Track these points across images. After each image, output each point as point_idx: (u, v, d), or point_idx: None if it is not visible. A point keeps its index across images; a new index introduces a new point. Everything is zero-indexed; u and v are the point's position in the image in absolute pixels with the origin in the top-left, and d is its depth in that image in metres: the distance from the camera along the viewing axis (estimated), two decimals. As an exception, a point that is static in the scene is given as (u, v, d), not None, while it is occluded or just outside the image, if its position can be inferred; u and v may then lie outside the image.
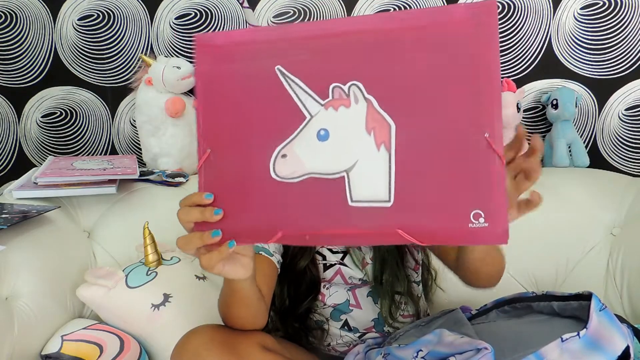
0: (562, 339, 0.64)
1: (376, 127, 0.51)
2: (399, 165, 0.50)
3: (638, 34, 1.38)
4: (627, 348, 0.64)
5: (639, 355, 0.81)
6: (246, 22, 0.96)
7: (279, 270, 0.86)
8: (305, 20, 1.41)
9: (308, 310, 0.92)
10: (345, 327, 0.93)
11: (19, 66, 1.44)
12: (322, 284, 0.93)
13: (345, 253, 0.92)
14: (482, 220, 0.48)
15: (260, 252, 0.84)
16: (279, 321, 0.93)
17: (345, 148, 0.52)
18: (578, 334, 0.64)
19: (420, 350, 0.73)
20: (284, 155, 0.53)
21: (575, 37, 1.40)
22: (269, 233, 0.54)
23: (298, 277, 0.90)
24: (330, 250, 0.93)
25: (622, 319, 0.75)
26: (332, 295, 0.93)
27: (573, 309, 0.73)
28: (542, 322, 0.76)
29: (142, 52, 1.42)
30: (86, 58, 1.44)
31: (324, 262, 0.92)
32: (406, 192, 0.50)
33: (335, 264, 0.91)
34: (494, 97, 0.49)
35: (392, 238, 0.50)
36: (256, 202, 0.55)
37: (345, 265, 0.91)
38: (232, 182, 0.56)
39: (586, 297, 0.71)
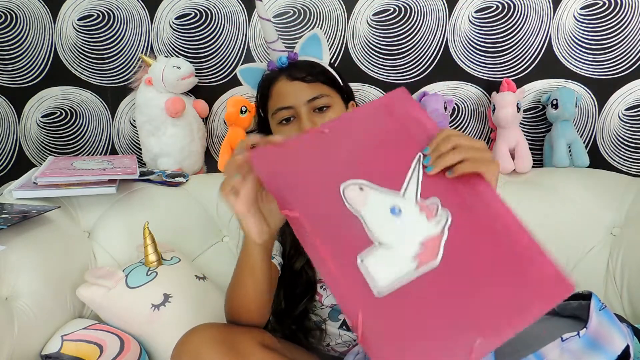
0: (562, 338, 0.64)
1: (427, 250, 0.56)
2: (410, 286, 0.54)
3: (638, 34, 1.38)
4: (627, 347, 0.64)
5: (639, 355, 0.81)
6: (257, 15, 0.97)
7: (280, 272, 0.87)
8: (305, 21, 1.41)
9: (305, 312, 0.92)
10: (344, 327, 0.93)
11: (19, 66, 1.44)
12: (319, 284, 0.93)
13: None
14: None
15: None
16: (276, 323, 0.93)
17: (397, 232, 0.57)
18: (578, 334, 0.64)
19: None
20: (361, 188, 0.60)
21: (575, 37, 1.40)
22: (289, 205, 0.59)
23: (294, 278, 0.90)
24: None
25: (621, 319, 0.76)
26: (330, 295, 0.93)
27: (573, 308, 0.74)
28: (542, 322, 0.76)
29: (142, 52, 1.42)
30: (86, 58, 1.44)
31: None
32: (391, 304, 0.53)
33: None
34: (520, 323, 0.51)
35: (350, 311, 0.53)
36: (309, 182, 0.61)
37: None
38: (312, 159, 0.63)
39: (586, 296, 0.71)
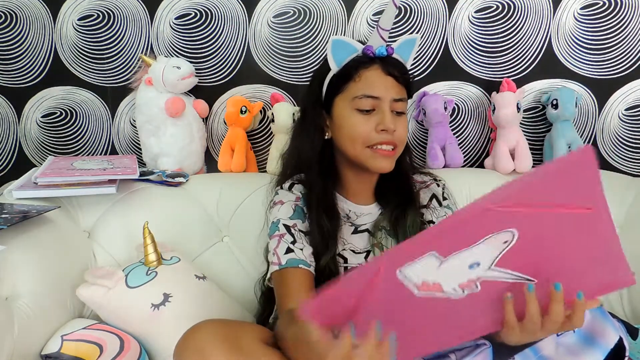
0: (557, 333, 0.65)
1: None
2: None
3: (638, 34, 1.38)
4: (620, 340, 0.66)
5: (638, 356, 0.82)
6: (381, 17, 0.91)
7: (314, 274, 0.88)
8: (305, 21, 1.41)
9: None
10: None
11: (19, 66, 1.44)
12: None
13: (368, 252, 0.92)
14: None
15: (299, 266, 0.86)
16: None
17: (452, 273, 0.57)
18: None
19: None
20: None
21: (575, 37, 1.40)
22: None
23: (317, 276, 0.90)
24: (353, 251, 0.93)
25: (612, 315, 0.76)
26: None
27: None
28: None
29: (142, 52, 1.42)
30: (86, 58, 1.44)
31: (345, 264, 0.91)
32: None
33: (357, 266, 0.91)
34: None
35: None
36: None
37: None
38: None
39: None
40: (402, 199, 0.96)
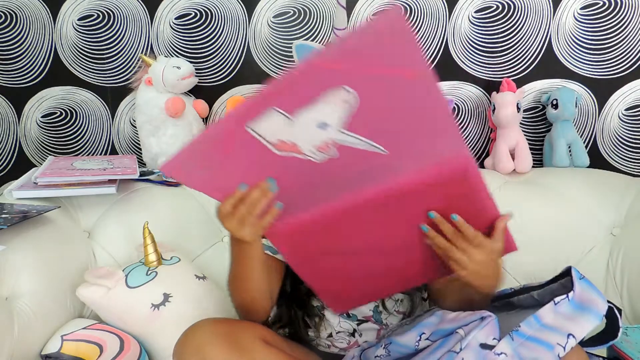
0: (554, 302, 0.70)
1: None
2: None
3: (638, 34, 1.38)
4: (611, 310, 0.71)
5: (638, 356, 0.82)
6: (338, 2, 0.96)
7: (285, 265, 0.88)
8: (305, 21, 1.41)
9: (308, 294, 0.92)
10: (344, 315, 0.94)
11: (19, 66, 1.44)
12: None
13: None
14: None
15: (266, 252, 0.86)
16: (284, 306, 0.93)
17: (305, 133, 0.63)
18: (567, 296, 0.70)
19: (423, 333, 0.74)
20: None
21: (575, 37, 1.40)
22: None
23: None
24: None
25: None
26: None
27: (554, 290, 0.78)
28: (527, 310, 0.78)
29: (142, 52, 1.42)
30: (86, 58, 1.44)
31: None
32: None
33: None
34: None
35: None
36: None
37: None
38: None
39: (563, 275, 0.77)
40: None
